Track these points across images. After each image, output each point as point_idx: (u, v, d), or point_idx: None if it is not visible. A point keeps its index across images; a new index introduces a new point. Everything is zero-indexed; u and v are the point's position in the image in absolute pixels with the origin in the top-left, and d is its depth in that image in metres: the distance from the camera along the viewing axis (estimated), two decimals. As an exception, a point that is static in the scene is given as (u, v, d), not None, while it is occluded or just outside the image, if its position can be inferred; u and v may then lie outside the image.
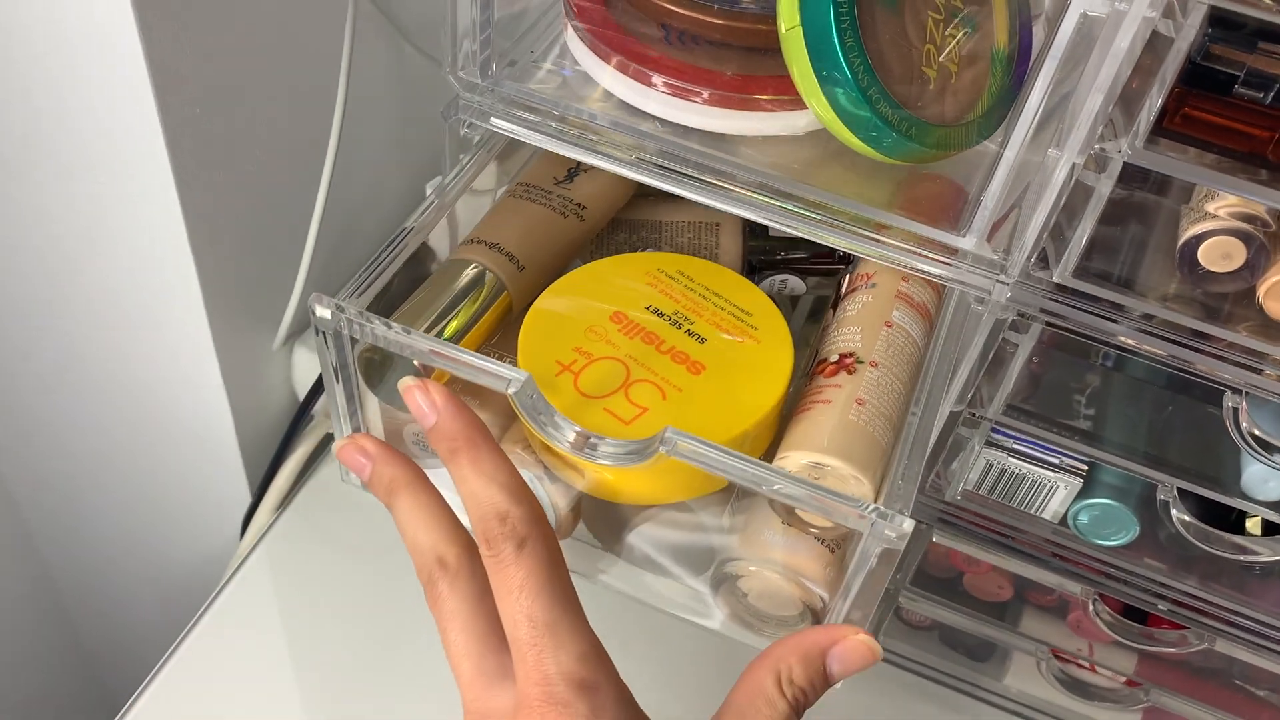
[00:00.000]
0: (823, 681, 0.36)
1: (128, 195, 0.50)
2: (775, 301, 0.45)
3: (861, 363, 0.42)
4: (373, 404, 0.44)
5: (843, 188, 0.41)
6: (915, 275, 0.42)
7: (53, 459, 0.70)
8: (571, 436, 0.39)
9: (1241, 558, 0.46)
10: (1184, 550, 0.47)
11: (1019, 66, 0.41)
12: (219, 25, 0.46)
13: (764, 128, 0.42)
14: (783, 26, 0.37)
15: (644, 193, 0.51)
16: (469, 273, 0.45)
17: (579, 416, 0.40)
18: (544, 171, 0.50)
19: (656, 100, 0.42)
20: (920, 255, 0.40)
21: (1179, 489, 0.45)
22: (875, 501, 0.39)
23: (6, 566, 0.75)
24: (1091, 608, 0.51)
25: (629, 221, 0.51)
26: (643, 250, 0.51)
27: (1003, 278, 0.40)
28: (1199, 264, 0.39)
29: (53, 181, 0.51)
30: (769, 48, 0.38)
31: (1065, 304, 0.40)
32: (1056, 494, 0.47)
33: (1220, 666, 0.52)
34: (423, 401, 0.37)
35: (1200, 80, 0.36)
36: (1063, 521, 0.48)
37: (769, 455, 0.42)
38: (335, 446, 0.41)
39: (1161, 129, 0.36)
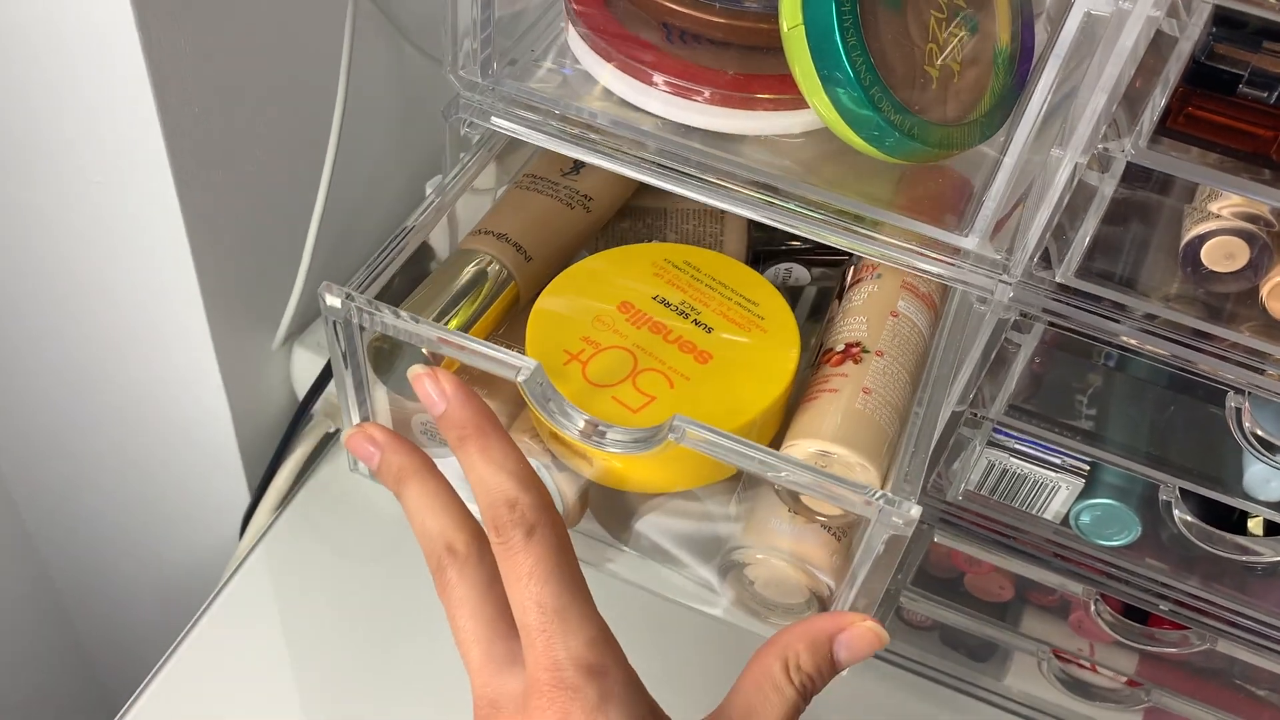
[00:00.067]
0: (830, 668, 0.36)
1: (127, 194, 0.49)
2: (779, 291, 0.46)
3: (868, 352, 0.43)
4: (381, 394, 0.45)
5: (844, 187, 0.41)
6: (919, 270, 0.42)
7: (52, 459, 0.70)
8: (580, 424, 0.39)
9: (1243, 558, 0.46)
10: (1186, 550, 0.47)
11: (1021, 65, 0.41)
12: (218, 24, 0.46)
13: (765, 127, 0.42)
14: (785, 25, 0.36)
15: (649, 181, 0.51)
16: (477, 263, 0.45)
17: (587, 405, 0.40)
18: (550, 163, 0.50)
19: (658, 99, 0.41)
20: (922, 255, 0.40)
21: (1181, 489, 0.45)
22: (882, 489, 0.39)
23: (6, 567, 0.75)
24: (1093, 608, 0.51)
25: (634, 209, 0.52)
26: (647, 237, 0.51)
27: (1005, 278, 0.40)
28: (1202, 264, 0.39)
29: (51, 181, 0.51)
30: (771, 47, 0.38)
31: (1068, 304, 0.40)
32: (1058, 494, 0.47)
33: (1221, 667, 0.52)
34: (432, 389, 0.38)
35: (1204, 80, 0.36)
36: (1064, 522, 0.48)
37: (776, 444, 0.42)
38: (344, 435, 0.42)
39: (1165, 128, 0.36)
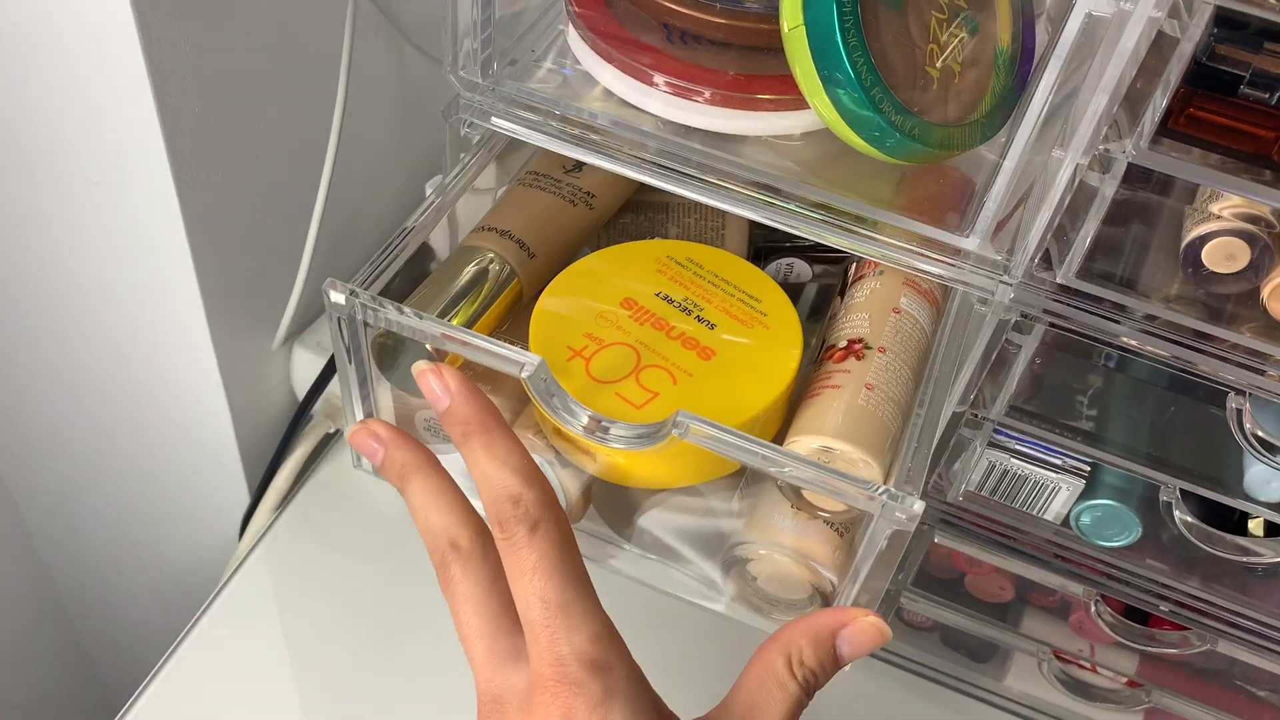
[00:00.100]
0: (833, 663, 0.36)
1: (126, 194, 0.49)
2: (781, 286, 0.46)
3: (870, 348, 0.43)
4: (384, 390, 0.45)
5: (845, 188, 0.41)
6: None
7: (51, 460, 0.70)
8: (584, 420, 0.40)
9: (1244, 559, 0.46)
10: (1186, 551, 0.47)
11: (1022, 66, 0.41)
12: (218, 24, 0.46)
13: (766, 127, 0.42)
14: (785, 26, 0.36)
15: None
16: (480, 260, 0.45)
17: (590, 401, 0.40)
18: (553, 160, 0.50)
19: (658, 100, 0.41)
20: (923, 256, 0.40)
21: (1181, 490, 0.45)
22: (885, 484, 0.39)
23: (6, 567, 0.75)
24: (1093, 608, 0.51)
25: (636, 203, 0.52)
26: (649, 231, 0.52)
27: (1006, 278, 0.40)
28: (1203, 265, 0.39)
29: (51, 181, 0.51)
30: (771, 47, 0.38)
31: (1068, 305, 0.40)
32: (1059, 495, 0.47)
33: (1222, 668, 0.52)
34: (436, 385, 0.38)
35: (1205, 81, 0.36)
36: (1065, 522, 0.48)
37: (778, 440, 0.42)
38: (347, 431, 0.42)
39: (1166, 129, 0.36)
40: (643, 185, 0.52)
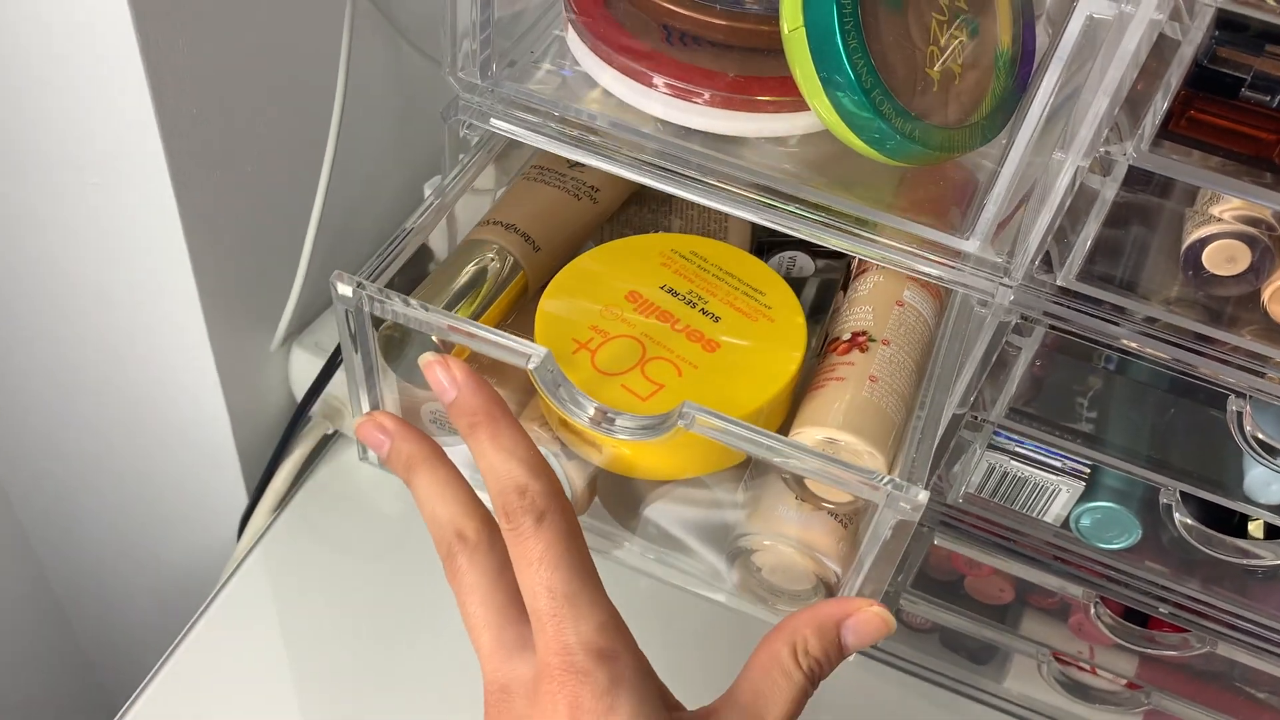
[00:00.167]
0: (837, 653, 0.37)
1: (124, 195, 0.49)
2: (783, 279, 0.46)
3: (874, 341, 0.43)
4: (390, 383, 0.45)
5: (845, 190, 0.41)
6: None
7: (48, 461, 0.69)
8: (591, 411, 0.40)
9: (1244, 561, 0.46)
10: (1186, 553, 0.47)
11: (1022, 68, 0.41)
12: (216, 23, 0.46)
13: (766, 129, 0.41)
14: (785, 28, 0.36)
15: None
16: (486, 252, 0.45)
17: (596, 393, 0.40)
18: (557, 154, 0.50)
19: (657, 101, 0.41)
20: (923, 258, 0.40)
21: (1181, 492, 0.45)
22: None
23: (4, 568, 0.75)
24: (1093, 610, 0.51)
25: (639, 195, 0.52)
26: (653, 223, 0.52)
27: (1006, 281, 0.40)
28: (1203, 267, 0.39)
29: (47, 181, 0.51)
30: (771, 49, 0.38)
31: (1069, 307, 0.40)
32: (1059, 497, 0.47)
33: (1221, 670, 0.52)
34: (443, 376, 0.38)
35: (1206, 83, 0.35)
36: (1065, 525, 0.48)
37: (782, 432, 0.43)
38: (354, 423, 0.42)
39: (1167, 132, 0.36)
40: (646, 179, 0.52)
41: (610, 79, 0.42)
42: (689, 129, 0.42)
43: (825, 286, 0.53)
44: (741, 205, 0.41)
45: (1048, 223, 0.38)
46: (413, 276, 0.44)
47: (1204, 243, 0.38)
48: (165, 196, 0.48)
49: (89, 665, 0.86)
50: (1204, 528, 0.46)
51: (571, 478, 0.46)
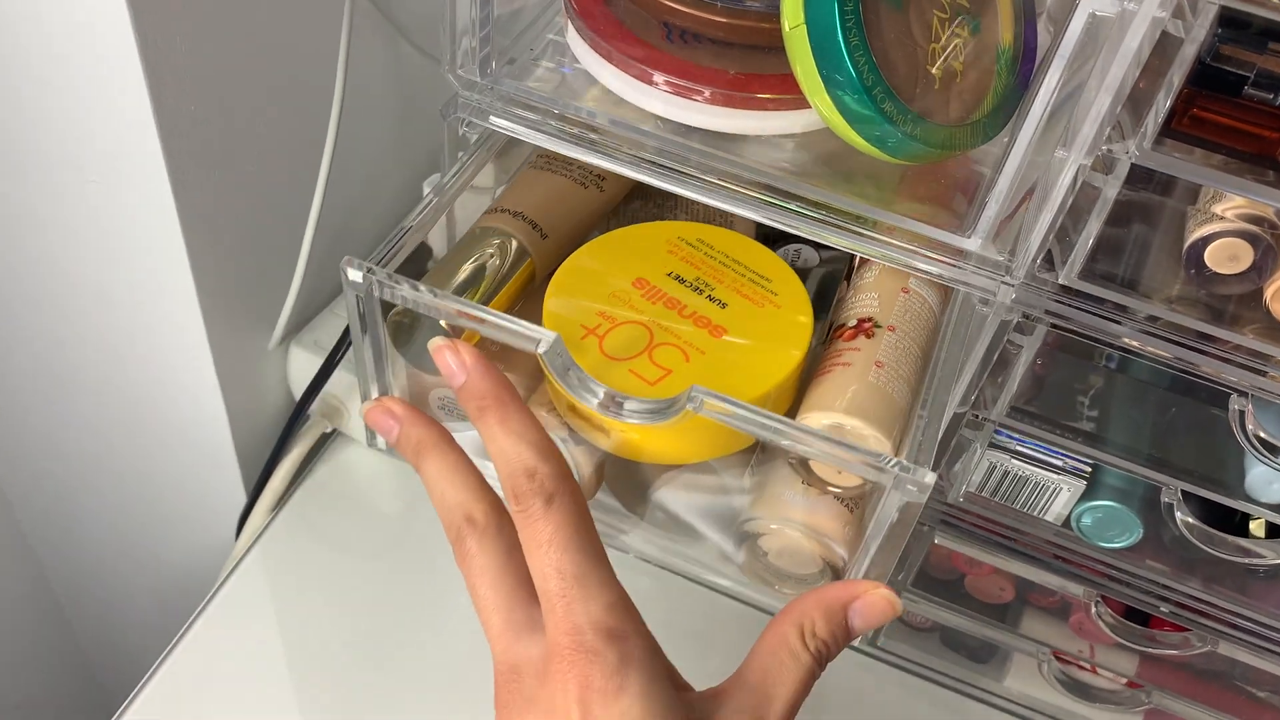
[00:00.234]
0: (845, 634, 0.37)
1: (123, 194, 0.49)
2: (789, 270, 0.46)
3: (880, 327, 0.43)
4: (399, 369, 0.45)
5: (846, 188, 0.41)
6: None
7: (47, 461, 0.69)
8: (600, 395, 0.40)
9: (1245, 560, 0.46)
10: (1187, 552, 0.47)
11: (1024, 65, 0.40)
12: (215, 23, 0.46)
13: (766, 127, 0.41)
14: (786, 25, 0.36)
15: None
16: (494, 239, 0.46)
17: (604, 378, 0.41)
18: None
19: (658, 98, 0.41)
20: (925, 256, 0.40)
21: (1183, 491, 0.45)
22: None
23: (3, 568, 0.75)
24: (1094, 609, 0.51)
25: (645, 189, 0.52)
26: (658, 217, 0.52)
27: (1008, 279, 0.40)
28: (1205, 266, 0.39)
29: (47, 181, 0.50)
30: (772, 46, 0.38)
31: (1070, 306, 0.40)
32: (1060, 496, 0.47)
33: (1222, 669, 0.52)
34: (452, 361, 0.38)
35: (1209, 81, 0.35)
36: (1066, 524, 0.48)
37: (789, 417, 0.43)
38: (363, 409, 0.42)
39: (1169, 130, 0.36)
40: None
41: (610, 76, 0.42)
42: (689, 126, 0.41)
43: (830, 277, 0.54)
44: (742, 203, 0.41)
45: (1049, 221, 0.38)
46: (412, 274, 0.44)
47: (1206, 241, 0.38)
48: (164, 196, 0.48)
49: (87, 664, 0.86)
50: (1205, 527, 0.45)
51: (579, 463, 0.46)
